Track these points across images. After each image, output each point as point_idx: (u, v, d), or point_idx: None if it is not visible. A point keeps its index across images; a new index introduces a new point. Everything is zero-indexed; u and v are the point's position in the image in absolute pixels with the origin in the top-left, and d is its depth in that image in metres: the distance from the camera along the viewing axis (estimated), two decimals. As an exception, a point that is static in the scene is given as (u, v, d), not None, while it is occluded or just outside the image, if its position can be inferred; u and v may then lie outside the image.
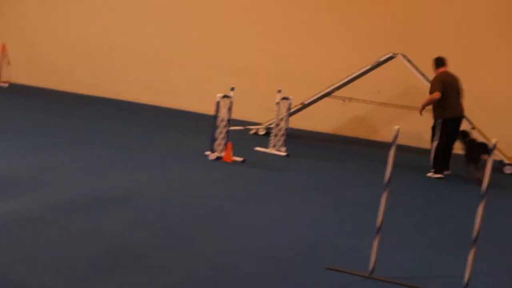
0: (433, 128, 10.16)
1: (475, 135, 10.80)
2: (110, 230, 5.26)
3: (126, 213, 5.84)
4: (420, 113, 10.14)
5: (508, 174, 11.26)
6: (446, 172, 10.12)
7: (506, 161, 11.42)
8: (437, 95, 9.81)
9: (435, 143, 10.04)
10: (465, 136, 10.29)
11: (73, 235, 5.05)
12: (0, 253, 4.48)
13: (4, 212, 5.39)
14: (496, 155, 11.14)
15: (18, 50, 16.08)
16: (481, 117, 11.98)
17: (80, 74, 16.20)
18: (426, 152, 11.89)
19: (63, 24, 16.29)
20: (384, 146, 13.28)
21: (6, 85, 15.28)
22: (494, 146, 4.73)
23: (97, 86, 16.03)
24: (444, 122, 9.94)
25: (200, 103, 15.07)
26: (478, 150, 9.80)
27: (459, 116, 10.07)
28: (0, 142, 8.55)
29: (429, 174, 10.02)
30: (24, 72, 16.23)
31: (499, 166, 11.36)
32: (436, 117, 10.07)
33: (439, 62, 10.24)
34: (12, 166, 7.20)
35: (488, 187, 4.62)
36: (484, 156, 9.57)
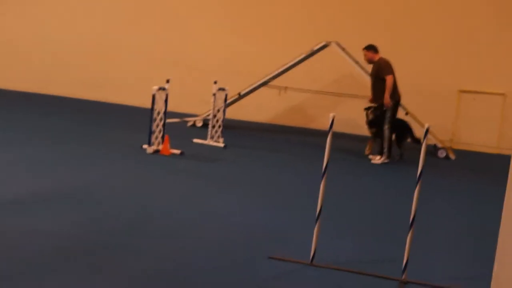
0: (383, 113, 10.28)
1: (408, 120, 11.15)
2: (48, 230, 5.19)
3: (64, 213, 5.77)
4: (389, 102, 10.16)
5: (441, 158, 11.63)
6: (386, 160, 10.36)
7: (440, 145, 11.79)
8: (392, 78, 10.17)
9: (387, 128, 10.28)
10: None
11: (8, 236, 4.96)
12: None
13: None
14: (430, 139, 11.49)
15: None
16: (414, 102, 12.31)
17: (16, 71, 15.80)
18: (362, 138, 12.17)
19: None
20: (321, 134, 13.49)
21: None
22: (427, 131, 4.91)
23: (33, 82, 15.66)
24: (395, 106, 10.32)
25: (137, 97, 14.93)
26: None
27: (399, 101, 10.54)
28: None
29: (377, 160, 10.29)
30: None
31: (433, 150, 11.72)
32: (384, 101, 10.23)
33: (377, 48, 10.51)
34: None
35: (422, 171, 4.79)
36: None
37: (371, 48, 10.51)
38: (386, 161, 10.29)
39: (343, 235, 5.97)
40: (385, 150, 10.33)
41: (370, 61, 10.54)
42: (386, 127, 10.29)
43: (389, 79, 10.15)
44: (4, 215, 5.52)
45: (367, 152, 10.82)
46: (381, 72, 10.27)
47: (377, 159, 10.30)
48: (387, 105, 10.18)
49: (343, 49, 11.93)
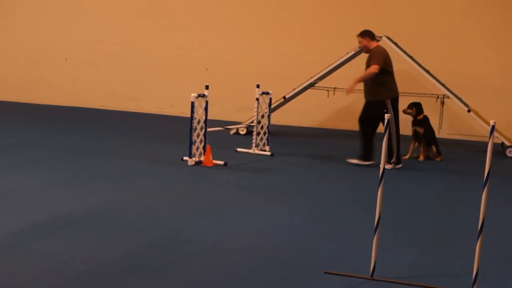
0: (370, 110, 9.73)
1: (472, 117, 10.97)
2: (79, 254, 5.24)
3: (98, 234, 5.82)
4: (350, 91, 9.76)
5: (510, 157, 11.38)
6: (399, 166, 9.76)
7: (508, 144, 11.55)
8: (376, 69, 9.44)
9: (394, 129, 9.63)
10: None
11: (39, 261, 5.02)
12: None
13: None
14: (497, 138, 11.27)
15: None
16: (477, 99, 12.12)
17: (36, 85, 16.11)
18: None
19: (14, 34, 16.22)
20: (376, 137, 13.37)
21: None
22: (493, 128, 4.79)
23: (56, 95, 15.95)
24: (392, 104, 9.63)
25: (175, 105, 15.06)
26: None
27: (398, 97, 9.85)
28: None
29: (389, 166, 9.50)
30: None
31: (501, 148, 11.51)
32: (376, 97, 9.66)
33: (373, 35, 9.89)
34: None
35: (489, 171, 4.66)
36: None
37: (366, 35, 9.82)
38: (367, 163, 9.73)
39: (402, 246, 5.88)
40: (361, 151, 9.82)
41: (365, 49, 9.87)
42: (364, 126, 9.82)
43: (372, 68, 9.44)
44: (33, 240, 5.61)
45: (408, 156, 10.70)
46: (371, 61, 9.62)
47: (389, 166, 9.54)
48: (350, 89, 9.69)
49: (395, 43, 11.81)
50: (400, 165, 9.76)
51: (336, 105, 14.18)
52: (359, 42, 9.94)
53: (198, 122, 9.30)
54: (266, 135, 10.71)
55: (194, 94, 9.21)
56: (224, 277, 4.86)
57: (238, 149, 10.67)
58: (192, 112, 9.16)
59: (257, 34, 14.72)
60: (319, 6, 14.42)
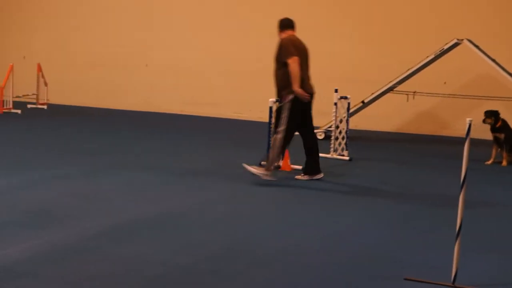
0: (279, 111, 8.52)
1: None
2: (155, 257, 5.38)
3: (174, 239, 5.95)
4: (301, 91, 8.36)
5: None
6: (318, 176, 8.73)
7: None
8: (295, 60, 8.25)
9: (281, 130, 8.37)
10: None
11: (118, 263, 5.21)
12: (46, 286, 4.69)
13: (46, 244, 5.60)
14: None
15: (52, 69, 16.52)
16: None
17: (117, 90, 16.56)
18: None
19: (95, 40, 16.71)
20: (456, 142, 13.16)
21: (44, 106, 15.74)
22: None
23: (135, 101, 16.36)
24: (296, 100, 8.37)
25: (252, 110, 15.22)
26: None
27: (312, 93, 8.69)
28: (39, 170, 8.77)
29: (299, 177, 8.71)
30: (60, 92, 16.66)
31: None
32: (284, 94, 8.47)
33: (287, 24, 8.71)
34: (50, 195, 7.39)
35: None
36: None
37: (278, 25, 8.72)
38: (268, 177, 8.33)
39: (485, 252, 5.80)
40: (268, 157, 8.45)
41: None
42: (281, 128, 8.37)
43: (292, 63, 8.23)
44: (113, 242, 5.82)
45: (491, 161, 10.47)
46: (280, 54, 8.46)
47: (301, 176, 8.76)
48: (302, 95, 8.30)
49: (477, 46, 11.60)
50: (321, 175, 8.73)
51: (416, 109, 14.02)
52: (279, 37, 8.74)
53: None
54: (345, 140, 10.70)
55: (272, 99, 9.30)
56: (300, 282, 4.92)
57: (316, 154, 10.69)
58: (270, 117, 9.25)
59: (334, 37, 14.71)
60: (397, 10, 14.30)
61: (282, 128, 8.35)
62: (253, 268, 5.21)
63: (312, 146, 8.82)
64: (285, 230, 6.34)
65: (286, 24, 8.69)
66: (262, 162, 8.58)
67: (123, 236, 5.98)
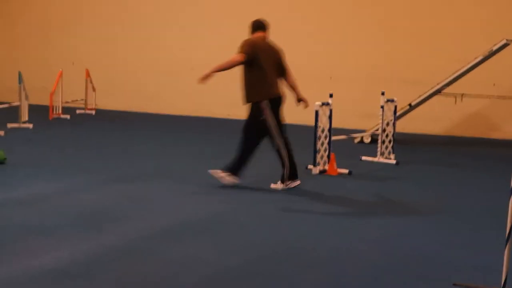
0: (263, 123, 8.34)
1: None
2: (205, 258, 5.49)
3: (224, 240, 6.06)
4: (204, 79, 8.36)
5: None
6: (295, 183, 8.35)
7: None
8: (241, 56, 8.15)
9: (277, 139, 8.43)
10: None
11: (170, 264, 5.33)
12: (100, 287, 4.82)
13: (98, 246, 5.75)
14: None
15: (99, 74, 16.81)
16: None
17: (165, 95, 16.77)
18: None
19: (142, 45, 16.96)
20: (507, 144, 13.02)
21: (93, 112, 16.04)
22: None
23: (183, 105, 16.54)
24: (269, 103, 8.27)
25: (298, 114, 15.25)
26: None
27: (280, 97, 8.48)
28: (92, 174, 8.98)
29: (274, 186, 8.37)
30: (107, 97, 16.96)
31: None
32: (252, 98, 8.40)
33: (257, 25, 8.47)
34: (103, 198, 7.58)
35: None
36: None
37: (250, 27, 8.54)
38: (233, 180, 8.27)
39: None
40: (235, 162, 8.34)
41: None
42: (276, 139, 8.41)
43: (235, 56, 8.20)
44: (165, 243, 5.93)
45: None
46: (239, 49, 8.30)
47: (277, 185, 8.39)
48: (205, 78, 8.29)
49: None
50: (298, 182, 8.37)
51: (464, 112, 13.89)
52: None
53: (322, 131, 9.44)
54: (391, 143, 10.67)
55: (318, 103, 9.37)
56: (349, 284, 4.97)
57: (363, 158, 10.69)
58: (316, 120, 9.31)
59: (380, 40, 14.66)
60: (443, 12, 14.19)
61: (276, 137, 8.39)
62: (304, 269, 5.28)
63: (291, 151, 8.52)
64: (335, 232, 6.38)
65: (256, 26, 8.50)
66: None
67: (174, 237, 6.09)
